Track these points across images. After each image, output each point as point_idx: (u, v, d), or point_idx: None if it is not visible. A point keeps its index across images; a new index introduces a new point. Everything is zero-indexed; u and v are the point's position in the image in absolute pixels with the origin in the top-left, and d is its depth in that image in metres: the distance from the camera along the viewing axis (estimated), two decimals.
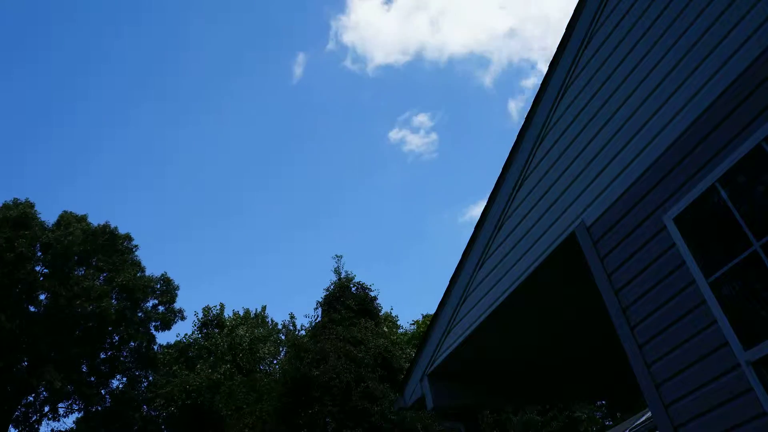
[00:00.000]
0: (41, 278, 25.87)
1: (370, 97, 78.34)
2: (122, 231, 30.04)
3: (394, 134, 76.60)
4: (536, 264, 5.04)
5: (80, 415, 27.61)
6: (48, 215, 35.87)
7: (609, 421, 29.90)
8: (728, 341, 3.33)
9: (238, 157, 71.08)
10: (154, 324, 29.87)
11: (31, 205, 26.31)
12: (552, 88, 5.12)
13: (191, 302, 70.77)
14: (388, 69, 74.08)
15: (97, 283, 26.74)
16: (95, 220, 29.83)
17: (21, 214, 25.22)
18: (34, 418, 26.46)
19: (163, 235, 63.54)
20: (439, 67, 74.21)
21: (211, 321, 31.97)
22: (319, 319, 23.14)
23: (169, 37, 68.95)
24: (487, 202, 5.83)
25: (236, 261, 66.88)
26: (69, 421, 31.50)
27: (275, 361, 30.45)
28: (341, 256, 26.49)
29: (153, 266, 60.66)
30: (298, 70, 71.28)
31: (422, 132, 75.78)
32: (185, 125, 66.49)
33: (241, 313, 33.05)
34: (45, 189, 54.28)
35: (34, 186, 55.86)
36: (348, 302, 22.47)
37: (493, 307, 5.59)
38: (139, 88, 63.27)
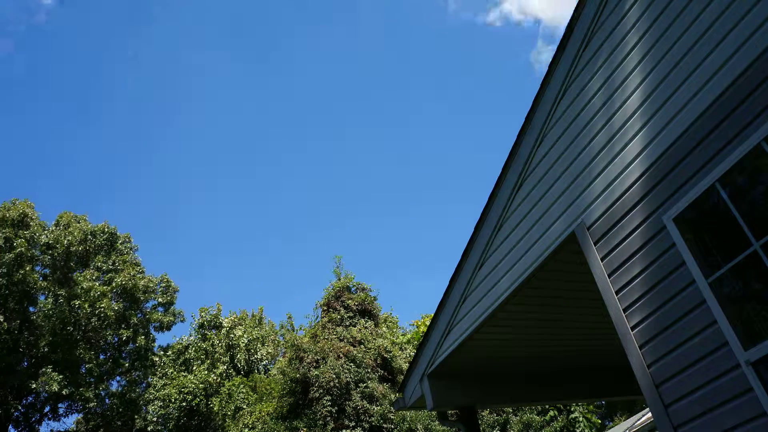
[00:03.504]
0: (41, 278, 25.85)
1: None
2: (122, 231, 30.09)
3: None
4: (536, 264, 5.04)
5: (80, 415, 27.62)
6: (47, 215, 35.84)
7: (609, 421, 29.92)
8: (728, 341, 3.33)
9: (239, 156, 71.05)
10: (153, 325, 29.88)
11: (31, 206, 26.30)
12: (552, 88, 5.12)
13: (189, 303, 70.76)
14: None
15: (97, 284, 26.72)
16: (95, 220, 29.84)
17: (20, 214, 25.21)
18: (34, 419, 26.45)
19: (163, 236, 63.55)
20: None
21: (209, 322, 31.97)
22: (318, 319, 23.14)
23: (169, 37, 68.93)
24: (487, 202, 5.83)
25: (237, 261, 66.92)
26: (69, 422, 31.47)
27: (273, 362, 30.45)
28: (341, 257, 26.53)
29: (153, 267, 60.77)
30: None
31: None
32: (186, 124, 66.48)
33: (239, 314, 33.05)
34: (44, 189, 54.27)
35: (34, 186, 55.86)
36: (347, 302, 22.47)
37: (493, 307, 5.59)
38: (138, 88, 63.25)
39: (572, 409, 22.03)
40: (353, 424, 18.45)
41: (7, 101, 49.54)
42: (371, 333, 21.52)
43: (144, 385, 28.66)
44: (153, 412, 25.60)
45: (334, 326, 21.50)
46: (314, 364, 19.80)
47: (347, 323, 21.74)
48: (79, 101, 58.81)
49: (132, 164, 61.61)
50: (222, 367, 27.78)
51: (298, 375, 19.84)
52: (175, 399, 24.67)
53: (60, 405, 27.09)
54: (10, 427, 25.37)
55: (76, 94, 59.29)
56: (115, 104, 60.64)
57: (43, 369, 24.11)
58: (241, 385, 25.15)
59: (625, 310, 4.10)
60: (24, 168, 52.56)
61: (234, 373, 28.47)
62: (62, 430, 27.53)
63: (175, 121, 65.04)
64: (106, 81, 59.52)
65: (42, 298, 26.21)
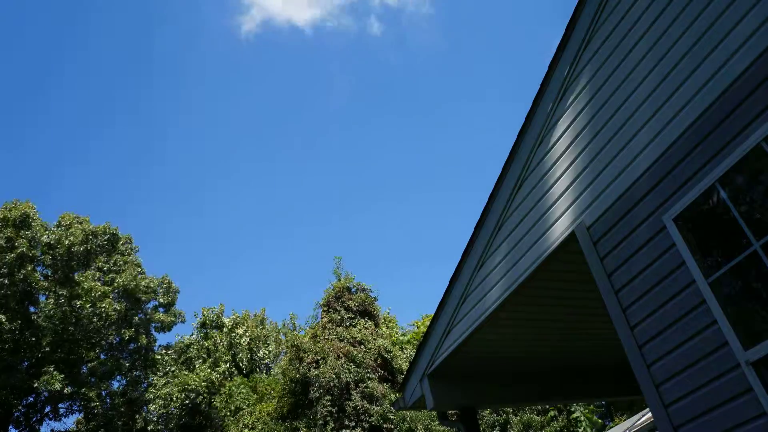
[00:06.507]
0: (42, 279, 25.86)
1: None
2: (123, 232, 30.10)
3: None
4: (536, 264, 5.04)
5: (80, 415, 27.63)
6: (49, 216, 35.87)
7: (609, 421, 29.88)
8: (728, 341, 3.33)
9: (239, 156, 71.10)
10: (154, 325, 29.90)
11: (32, 206, 26.30)
12: (552, 88, 5.12)
13: (191, 303, 70.80)
14: None
15: (98, 284, 26.74)
16: (96, 220, 29.85)
17: (22, 215, 25.22)
18: (34, 419, 26.45)
19: (164, 237, 63.58)
20: None
21: (211, 321, 32.00)
22: (318, 319, 23.15)
23: (168, 39, 68.95)
24: (487, 202, 5.83)
25: (238, 262, 66.96)
26: (69, 422, 31.47)
27: (275, 362, 30.48)
28: (341, 257, 26.56)
29: (154, 268, 60.74)
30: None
31: None
32: (187, 125, 66.53)
33: (241, 314, 33.08)
34: (46, 189, 54.31)
35: (35, 186, 55.89)
36: (348, 303, 22.47)
37: (493, 307, 5.58)
38: (138, 89, 63.29)
39: (572, 409, 22.02)
40: (353, 424, 18.45)
41: (8, 100, 49.56)
42: (371, 333, 21.52)
43: (145, 384, 28.68)
44: (154, 411, 25.62)
45: (334, 326, 21.50)
46: (314, 364, 19.81)
47: (347, 323, 21.75)
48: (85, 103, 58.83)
49: (139, 166, 61.68)
50: (224, 366, 27.80)
51: (298, 375, 19.86)
52: (177, 398, 24.68)
53: (60, 405, 27.10)
54: (10, 427, 25.38)
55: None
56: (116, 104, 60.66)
57: (45, 369, 24.14)
58: (242, 385, 25.16)
59: (625, 310, 4.10)
60: (26, 168, 52.59)
61: (236, 372, 28.50)
62: (63, 430, 27.56)
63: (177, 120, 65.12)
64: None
65: (43, 298, 26.22)
